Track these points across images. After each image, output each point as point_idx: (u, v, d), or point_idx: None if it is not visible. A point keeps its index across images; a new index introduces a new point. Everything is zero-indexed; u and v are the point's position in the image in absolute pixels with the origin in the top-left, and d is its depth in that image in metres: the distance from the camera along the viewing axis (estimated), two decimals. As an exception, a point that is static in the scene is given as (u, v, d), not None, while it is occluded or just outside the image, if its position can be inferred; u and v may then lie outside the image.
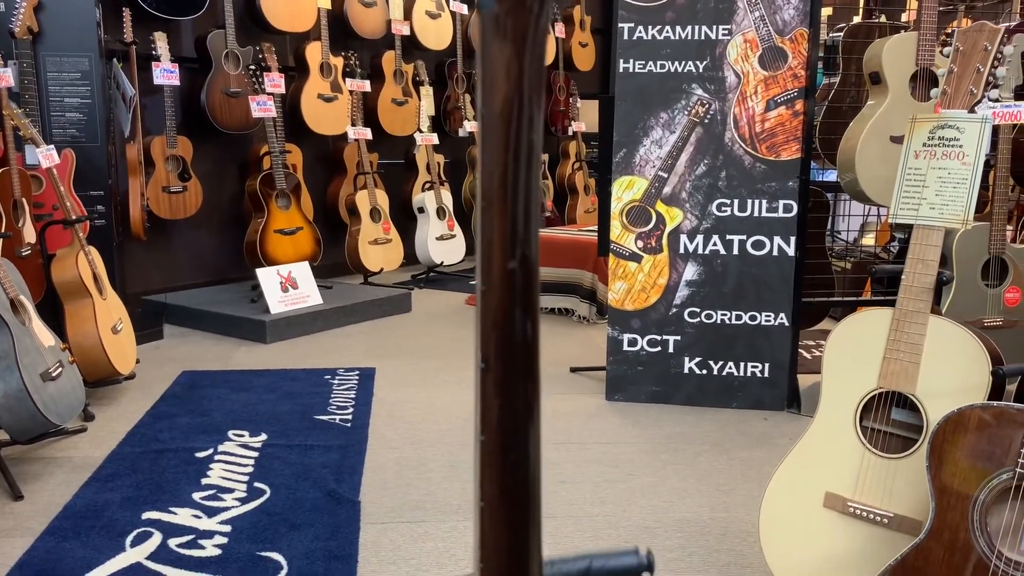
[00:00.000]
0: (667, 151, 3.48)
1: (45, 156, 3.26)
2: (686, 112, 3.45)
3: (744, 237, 3.49)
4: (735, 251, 3.50)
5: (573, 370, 4.10)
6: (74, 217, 3.34)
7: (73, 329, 3.26)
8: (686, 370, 3.61)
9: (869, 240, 6.76)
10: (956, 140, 1.73)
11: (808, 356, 4.29)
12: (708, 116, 3.45)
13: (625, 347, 3.64)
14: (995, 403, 1.41)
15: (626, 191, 3.53)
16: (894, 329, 1.72)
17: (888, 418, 1.77)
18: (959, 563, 1.38)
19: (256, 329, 4.50)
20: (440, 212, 6.15)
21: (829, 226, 5.26)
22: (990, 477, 1.38)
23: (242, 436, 3.13)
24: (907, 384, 1.70)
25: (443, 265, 6.21)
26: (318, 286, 4.91)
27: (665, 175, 3.49)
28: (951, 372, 1.65)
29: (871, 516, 1.72)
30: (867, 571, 1.71)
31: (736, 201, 3.48)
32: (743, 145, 3.44)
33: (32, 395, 2.61)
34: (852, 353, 1.78)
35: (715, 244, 3.51)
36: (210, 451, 2.98)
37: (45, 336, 2.86)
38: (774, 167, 3.44)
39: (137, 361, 3.75)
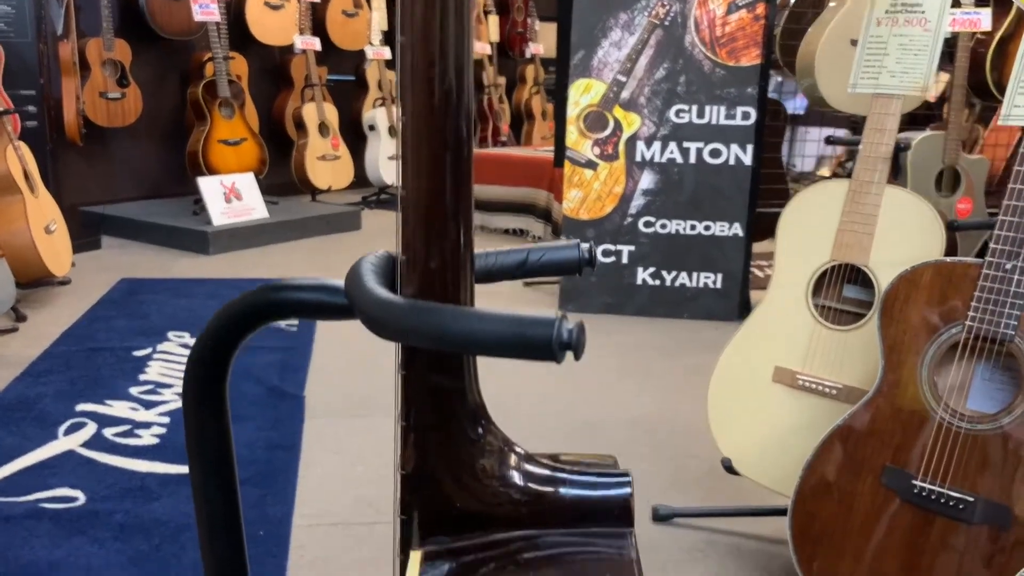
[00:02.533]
0: (626, 54, 3.39)
1: (-31, 42, 3.06)
2: (646, 13, 3.36)
3: (701, 145, 3.44)
4: (692, 159, 3.45)
5: (526, 284, 4.05)
6: (1, 110, 3.16)
7: (3, 227, 3.11)
8: (639, 281, 3.58)
9: (825, 172, 6.78)
10: (919, 6, 1.68)
11: (760, 275, 4.29)
12: (668, 18, 3.36)
13: (578, 257, 3.59)
14: (948, 259, 1.38)
15: (583, 95, 3.45)
16: (849, 200, 1.68)
17: (839, 294, 1.75)
18: (907, 418, 1.36)
19: (198, 240, 4.36)
20: (392, 131, 6.00)
21: (786, 151, 5.25)
22: (940, 333, 1.36)
23: (182, 337, 3.03)
24: (860, 256, 1.67)
25: (395, 186, 6.09)
26: (264, 202, 4.77)
27: (624, 79, 3.41)
28: (905, 241, 1.62)
29: (820, 388, 1.70)
30: (816, 443, 1.69)
31: (695, 107, 3.42)
32: (703, 49, 3.37)
33: (-44, 285, 2.48)
34: (806, 226, 1.75)
35: (672, 152, 3.46)
36: (148, 351, 2.88)
37: (-30, 227, 2.71)
38: (734, 73, 3.37)
39: (73, 265, 3.61)
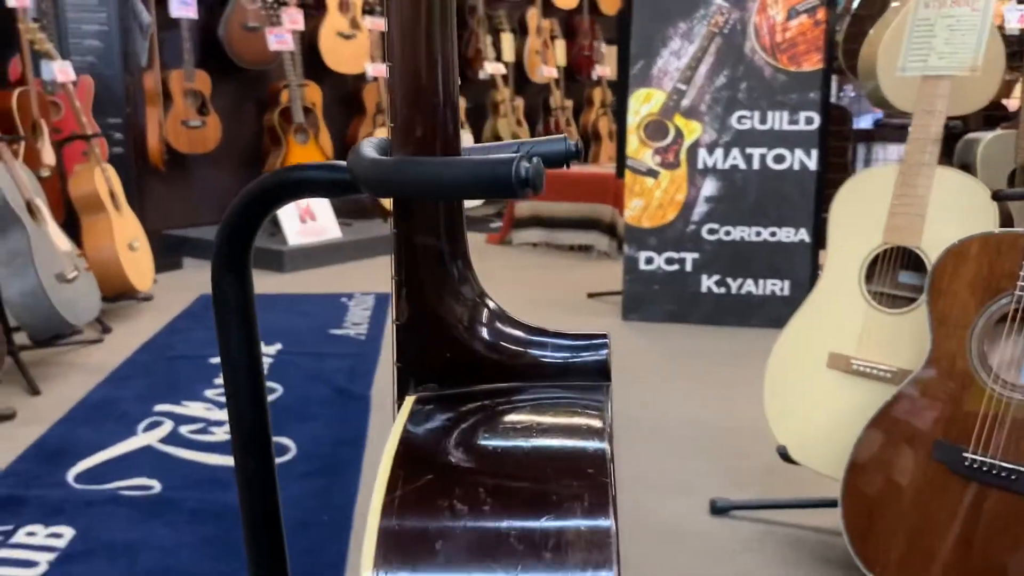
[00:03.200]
0: (686, 62, 3.42)
1: (61, 71, 3.28)
2: (706, 21, 3.39)
3: (764, 151, 3.43)
4: (755, 165, 3.44)
5: (590, 295, 4.07)
6: (89, 132, 3.36)
7: (90, 243, 3.30)
8: (704, 289, 3.57)
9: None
10: (969, -13, 1.68)
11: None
12: (728, 25, 3.38)
13: (641, 266, 3.60)
14: (996, 230, 1.37)
15: (643, 104, 3.48)
16: (900, 183, 1.68)
17: (894, 279, 1.73)
18: (957, 392, 1.35)
19: (274, 259, 4.52)
20: (461, 153, 6.12)
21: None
22: (989, 304, 1.34)
23: (256, 345, 3.15)
24: (912, 238, 1.66)
25: (467, 208, 6.19)
26: (338, 223, 4.91)
27: (684, 87, 3.44)
28: (957, 221, 1.60)
29: (875, 372, 1.68)
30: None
31: (756, 113, 3.41)
32: (764, 55, 3.37)
33: (48, 294, 2.64)
34: (858, 211, 1.74)
35: (735, 158, 3.46)
36: (225, 358, 3.00)
37: (61, 240, 2.89)
38: (795, 78, 3.36)
39: (155, 282, 3.79)
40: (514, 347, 0.47)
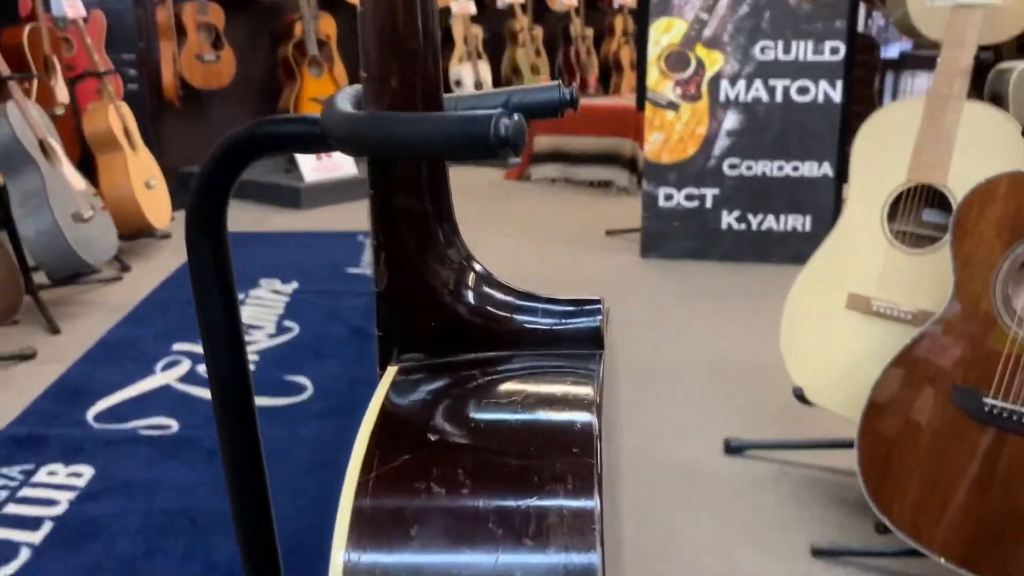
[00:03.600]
0: (706, -9, 3.31)
1: (71, 6, 3.23)
2: (727, -53, 3.26)
3: (788, 82, 3.33)
4: (778, 97, 3.35)
5: (608, 233, 4.03)
6: (101, 69, 3.32)
7: (106, 182, 3.28)
8: (724, 225, 3.52)
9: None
10: (1006, -92, 1.59)
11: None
12: (750, -49, 3.25)
13: (661, 202, 3.55)
14: (1028, 169, 1.31)
15: (664, 35, 3.38)
16: (927, 117, 1.61)
17: (918, 217, 1.68)
18: (979, 336, 1.31)
19: (291, 196, 4.50)
20: (478, 86, 6.02)
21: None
22: (1016, 246, 1.30)
23: (272, 283, 3.15)
24: (938, 175, 1.60)
25: (483, 141, 6.11)
26: (354, 159, 4.87)
27: (706, 16, 3.33)
28: (986, 158, 1.54)
29: (895, 314, 1.65)
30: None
31: (780, 43, 3.31)
32: (787, -18, 3.25)
33: (64, 233, 2.64)
34: (881, 147, 1.68)
35: (757, 90, 3.37)
36: (241, 296, 3.01)
37: (76, 180, 2.88)
38: (820, 6, 3.25)
39: (172, 219, 3.79)
40: (502, 313, 0.44)
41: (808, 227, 3.43)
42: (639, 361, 2.46)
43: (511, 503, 0.35)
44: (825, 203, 3.40)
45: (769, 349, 1.87)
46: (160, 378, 2.32)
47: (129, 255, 3.44)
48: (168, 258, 3.53)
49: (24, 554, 1.54)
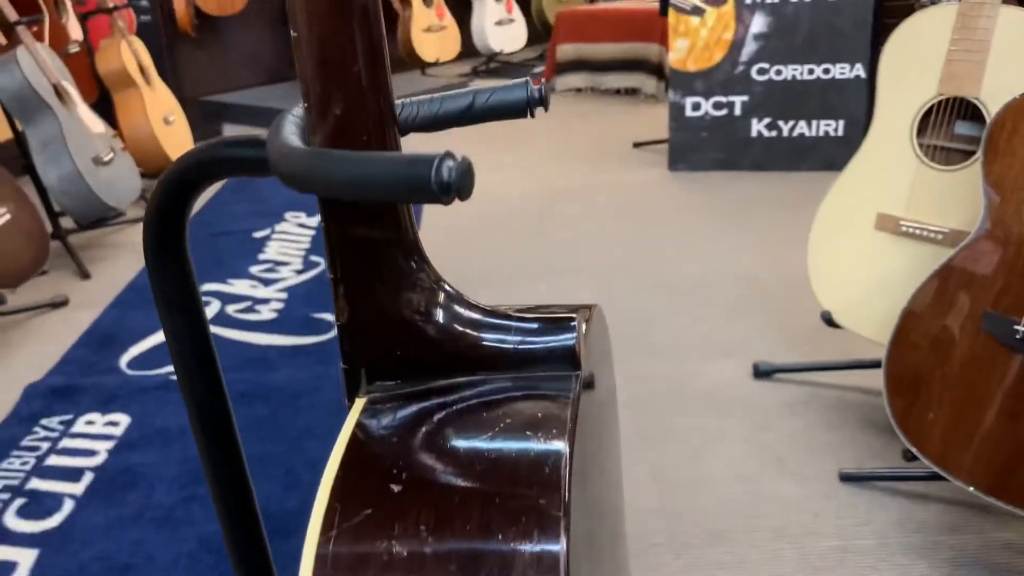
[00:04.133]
0: None
1: (73, -59, 3.15)
2: None
3: (816, -20, 3.18)
4: (806, -3, 3.20)
5: (636, 145, 3.94)
6: (111, 5, 3.27)
7: (125, 121, 3.27)
8: (754, 133, 3.42)
9: None
10: None
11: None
12: None
13: (688, 112, 3.45)
14: (1067, 81, 1.24)
15: (684, -64, 3.23)
16: (959, 26, 1.52)
17: (949, 131, 1.61)
18: (1011, 260, 1.27)
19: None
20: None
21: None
22: (1055, 164, 1.24)
23: (298, 216, 3.15)
24: (971, 87, 1.52)
25: (504, 53, 5.97)
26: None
27: (727, -86, 3.16)
28: (1023, 69, 1.46)
29: (925, 234, 1.60)
30: (920, 291, 1.61)
31: (807, -62, 3.14)
32: None
33: (85, 178, 2.64)
34: (911, 58, 1.60)
35: (784, -10, 3.22)
36: (267, 231, 3.01)
37: (94, 122, 2.86)
38: None
39: (196, 154, 3.77)
40: (473, 335, 0.42)
41: (840, 131, 3.33)
42: (666, 279, 2.43)
43: (475, 554, 0.34)
44: (857, 106, 3.28)
45: (800, 263, 1.83)
46: (190, 321, 2.34)
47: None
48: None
49: (68, 506, 1.59)
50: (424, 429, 0.40)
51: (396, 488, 0.37)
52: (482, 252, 2.74)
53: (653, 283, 2.43)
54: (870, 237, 1.68)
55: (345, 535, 0.35)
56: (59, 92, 2.74)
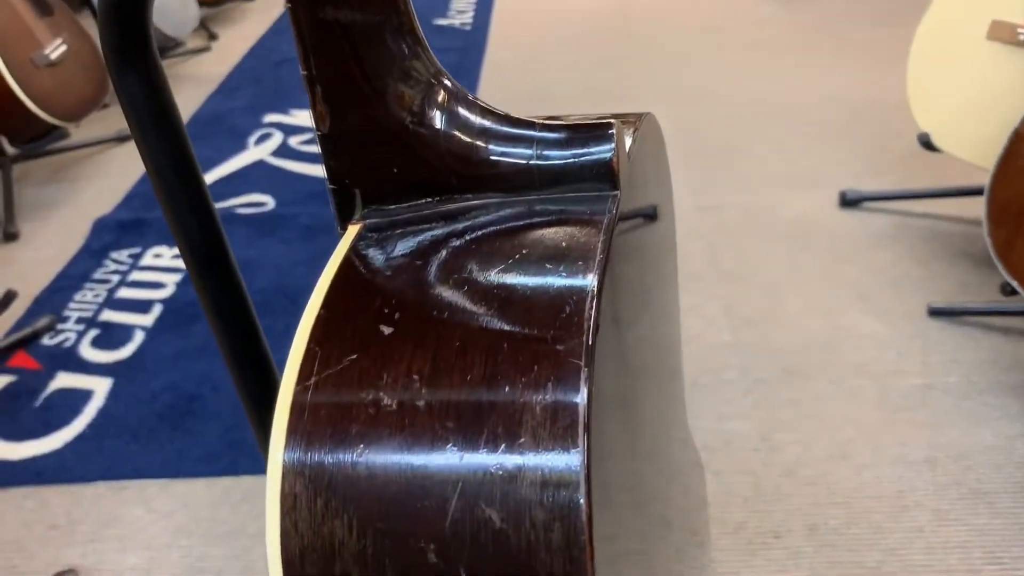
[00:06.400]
0: None
1: None
2: None
3: None
4: None
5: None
6: None
7: (180, -56, 3.13)
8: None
9: None
10: None
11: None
12: None
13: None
14: None
15: None
16: None
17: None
18: None
19: None
20: None
21: None
22: None
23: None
24: None
25: None
26: None
27: None
28: None
29: (1048, 42, 1.41)
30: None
31: None
32: None
33: (141, 7, 2.56)
34: None
35: None
36: (329, 60, 2.91)
37: (145, -53, 2.74)
38: None
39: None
40: (485, 148, 0.34)
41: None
42: (749, 105, 2.27)
43: (476, 408, 0.28)
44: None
45: (896, 85, 1.67)
46: (254, 153, 2.30)
47: (216, 22, 3.35)
48: (255, 22, 3.42)
49: (138, 337, 1.62)
50: (424, 261, 0.33)
51: (387, 330, 0.30)
52: (546, 72, 2.59)
53: (734, 109, 2.27)
54: (981, 47, 1.50)
55: (325, 384, 0.29)
56: (107, -86, 2.61)
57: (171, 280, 1.78)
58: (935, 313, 1.47)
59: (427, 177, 0.36)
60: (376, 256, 0.34)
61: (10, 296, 1.57)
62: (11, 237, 1.99)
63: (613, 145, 0.34)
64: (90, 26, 2.54)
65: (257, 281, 1.75)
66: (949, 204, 1.75)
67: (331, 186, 0.36)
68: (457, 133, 0.35)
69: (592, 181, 0.34)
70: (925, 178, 1.85)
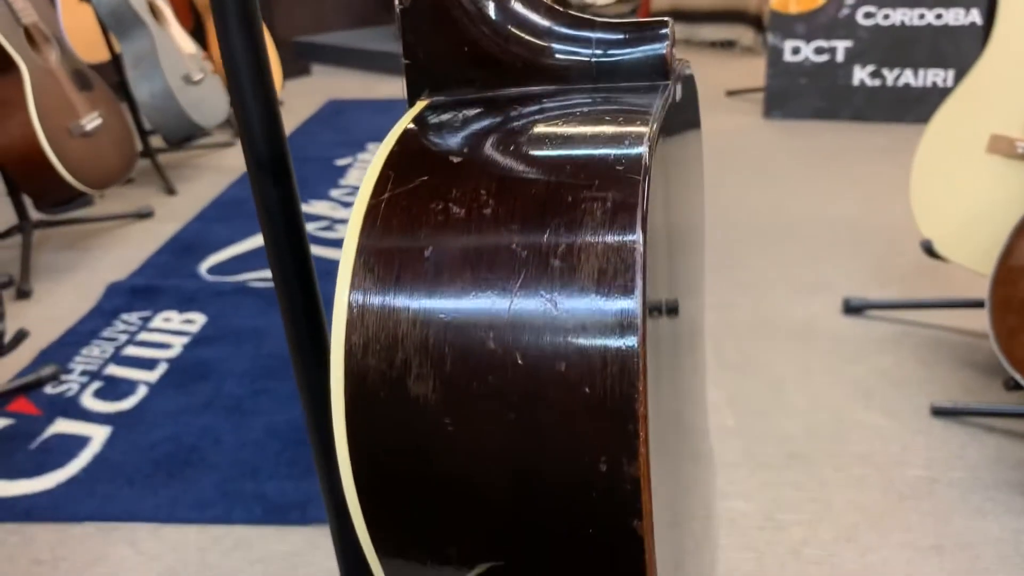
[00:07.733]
0: None
1: None
2: None
3: (934, -84, 2.99)
4: (921, -65, 3.02)
5: (729, 93, 3.81)
6: (208, -69, 3.29)
7: (215, 45, 3.29)
8: (856, 81, 3.25)
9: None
10: None
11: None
12: None
13: (787, 57, 3.30)
14: None
15: None
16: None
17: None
18: None
19: (399, 63, 4.43)
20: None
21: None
22: None
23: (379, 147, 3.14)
24: (1111, -7, 1.39)
25: (596, 5, 5.84)
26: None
27: None
28: None
29: (1046, 155, 1.47)
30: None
31: None
32: None
33: (176, 95, 2.67)
34: (1043, -37, 1.47)
35: (897, -73, 3.04)
36: (349, 160, 3.01)
37: (185, 42, 2.89)
38: None
39: (283, 87, 3.80)
40: (550, 41, 0.37)
41: (950, 82, 3.14)
42: (755, 221, 2.34)
43: (540, 213, 0.29)
44: (971, 55, 3.08)
45: (897, 209, 1.73)
46: (269, 235, 2.35)
47: (243, 121, 3.49)
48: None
49: (141, 391, 1.61)
50: (487, 123, 0.35)
51: (456, 160, 0.32)
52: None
53: (741, 224, 2.34)
54: (981, 159, 1.56)
55: (399, 197, 0.31)
56: (154, 9, 2.77)
57: (178, 342, 1.79)
58: (939, 412, 1.47)
59: (492, 66, 0.38)
60: (444, 115, 0.36)
61: (21, 335, 1.57)
62: (24, 295, 2.01)
63: (668, 42, 0.36)
64: (126, 112, 2.64)
65: (264, 347, 1.75)
66: (953, 316, 1.77)
67: (405, 61, 0.39)
68: (531, 35, 0.38)
69: (647, 72, 0.37)
70: (929, 291, 1.88)
